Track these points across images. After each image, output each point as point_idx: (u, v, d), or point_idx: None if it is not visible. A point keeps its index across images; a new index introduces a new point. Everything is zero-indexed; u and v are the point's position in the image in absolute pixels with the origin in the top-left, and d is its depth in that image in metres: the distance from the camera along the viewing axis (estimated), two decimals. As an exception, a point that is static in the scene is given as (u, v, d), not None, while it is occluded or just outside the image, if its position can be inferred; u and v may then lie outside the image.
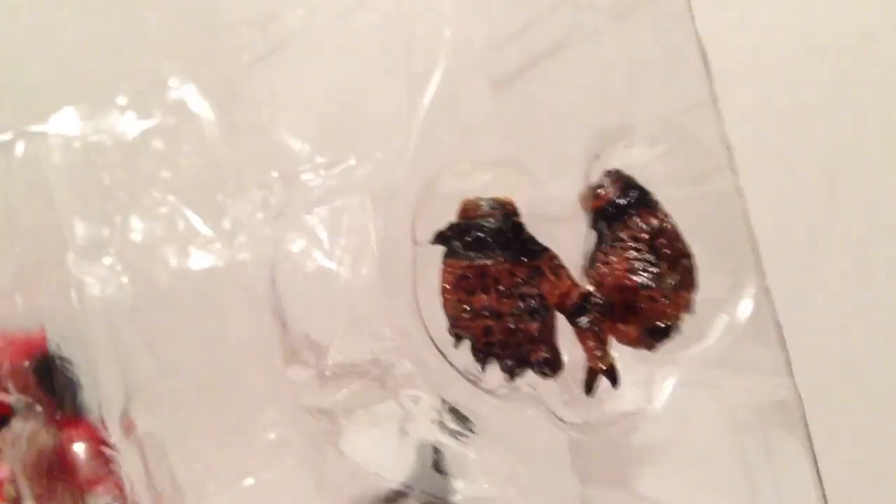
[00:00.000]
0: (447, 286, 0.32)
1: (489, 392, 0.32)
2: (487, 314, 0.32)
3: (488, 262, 0.32)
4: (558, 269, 0.33)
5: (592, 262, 0.34)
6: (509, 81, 0.34)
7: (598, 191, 0.35)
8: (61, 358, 0.34)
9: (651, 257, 0.34)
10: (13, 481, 0.33)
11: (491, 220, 0.32)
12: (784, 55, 0.39)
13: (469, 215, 0.32)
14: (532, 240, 0.33)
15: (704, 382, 0.35)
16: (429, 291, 0.32)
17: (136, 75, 0.38)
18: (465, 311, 0.32)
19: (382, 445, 0.35)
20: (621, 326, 0.34)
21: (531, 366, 0.32)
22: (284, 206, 0.36)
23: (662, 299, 0.33)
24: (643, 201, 0.35)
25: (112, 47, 0.40)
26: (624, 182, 0.35)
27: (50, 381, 0.34)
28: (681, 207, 0.36)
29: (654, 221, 0.34)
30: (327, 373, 0.33)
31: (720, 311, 0.35)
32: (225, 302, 0.36)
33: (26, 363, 0.34)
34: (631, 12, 0.35)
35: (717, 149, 0.36)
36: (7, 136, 0.36)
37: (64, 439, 0.33)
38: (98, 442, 0.34)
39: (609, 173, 0.35)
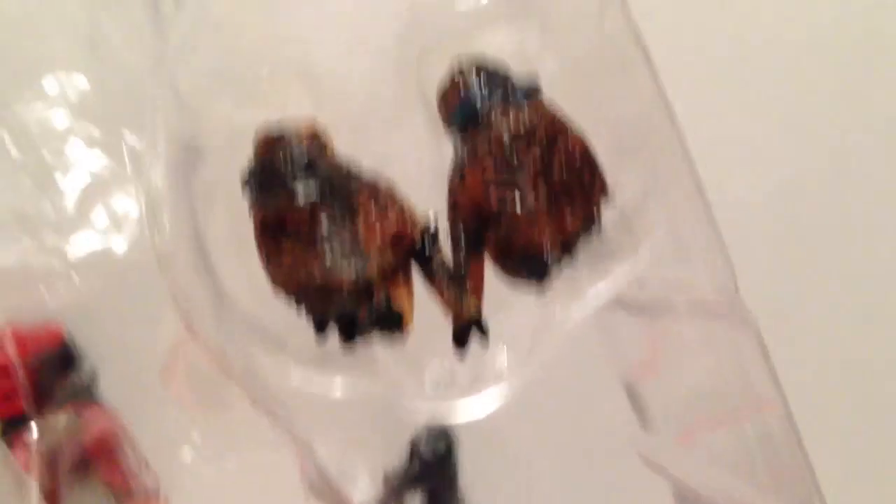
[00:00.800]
0: (258, 244, 0.25)
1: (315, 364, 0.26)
2: (297, 267, 0.25)
3: (285, 204, 0.25)
4: (384, 202, 0.25)
5: (451, 181, 0.27)
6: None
7: (449, 88, 0.27)
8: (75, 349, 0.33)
9: (508, 167, 0.26)
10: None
11: (290, 150, 0.25)
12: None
13: (266, 150, 0.25)
14: (347, 170, 0.25)
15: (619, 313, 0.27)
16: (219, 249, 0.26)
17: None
18: (280, 271, 0.25)
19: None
20: (490, 261, 0.27)
21: (367, 325, 0.26)
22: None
23: (529, 222, 0.25)
24: (509, 93, 0.26)
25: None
26: (486, 70, 0.27)
27: (66, 371, 0.32)
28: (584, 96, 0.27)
29: (519, 117, 0.26)
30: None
31: (635, 225, 0.27)
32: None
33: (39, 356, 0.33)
34: None
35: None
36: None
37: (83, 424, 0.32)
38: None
39: (461, 62, 0.27)
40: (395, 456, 0.29)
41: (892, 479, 0.35)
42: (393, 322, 0.25)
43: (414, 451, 0.30)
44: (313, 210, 0.25)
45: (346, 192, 0.25)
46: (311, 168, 0.25)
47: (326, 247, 0.24)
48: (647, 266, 0.27)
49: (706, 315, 0.28)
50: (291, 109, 0.25)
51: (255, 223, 0.25)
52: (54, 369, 0.32)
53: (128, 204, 0.35)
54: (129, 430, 0.31)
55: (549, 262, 0.26)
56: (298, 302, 0.25)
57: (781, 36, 0.33)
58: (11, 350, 0.31)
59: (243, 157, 0.25)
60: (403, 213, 0.25)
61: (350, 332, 0.25)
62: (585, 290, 0.26)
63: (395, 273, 0.25)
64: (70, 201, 0.35)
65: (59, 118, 0.35)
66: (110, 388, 0.33)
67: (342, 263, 0.25)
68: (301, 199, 0.24)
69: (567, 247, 0.26)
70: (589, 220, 0.26)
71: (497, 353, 0.26)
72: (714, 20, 0.34)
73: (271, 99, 0.25)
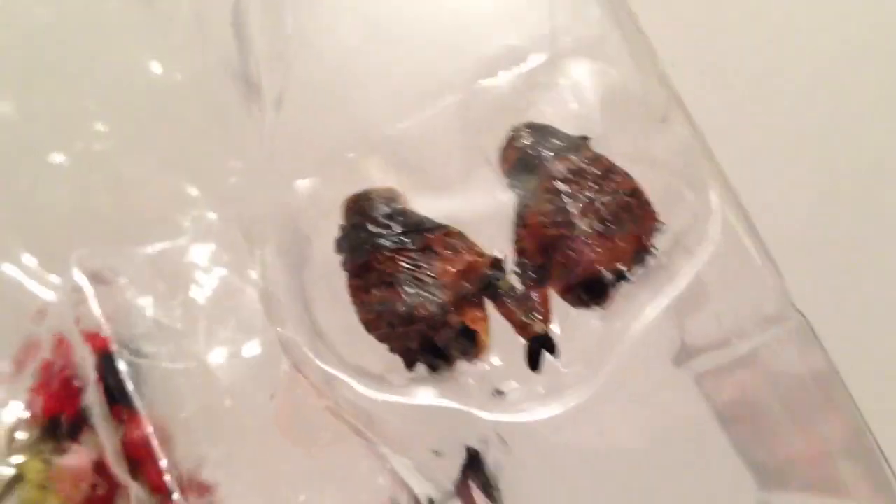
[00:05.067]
0: (350, 292, 0.30)
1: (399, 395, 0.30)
2: (385, 308, 0.29)
3: (370, 256, 0.29)
4: (456, 244, 0.29)
5: (515, 225, 0.31)
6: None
7: (507, 146, 0.31)
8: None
9: (563, 203, 0.29)
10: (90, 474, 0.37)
11: (372, 206, 0.30)
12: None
13: (352, 210, 0.30)
14: (423, 221, 0.30)
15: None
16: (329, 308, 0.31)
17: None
18: (370, 313, 0.30)
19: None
20: (558, 288, 0.30)
21: (449, 352, 0.29)
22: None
23: (586, 247, 0.29)
24: (562, 146, 0.30)
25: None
26: (537, 129, 0.31)
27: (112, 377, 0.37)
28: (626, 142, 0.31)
29: (568, 165, 0.30)
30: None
31: (686, 248, 0.30)
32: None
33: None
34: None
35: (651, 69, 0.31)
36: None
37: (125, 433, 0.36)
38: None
39: (516, 125, 0.31)
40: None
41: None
42: (468, 342, 0.29)
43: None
44: (395, 254, 0.29)
45: (422, 238, 0.29)
46: (391, 219, 0.30)
47: (409, 287, 0.29)
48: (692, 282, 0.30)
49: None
50: (375, 181, 0.31)
51: (349, 276, 0.30)
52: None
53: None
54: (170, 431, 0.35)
55: (607, 283, 0.29)
56: (388, 340, 0.30)
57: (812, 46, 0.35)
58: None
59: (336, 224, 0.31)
60: (472, 250, 0.30)
61: (434, 357, 0.29)
62: (644, 308, 0.29)
63: (470, 303, 0.29)
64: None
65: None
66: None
67: (423, 297, 0.29)
68: (384, 246, 0.29)
69: (622, 270, 0.29)
70: (641, 246, 0.29)
71: (565, 367, 0.29)
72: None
73: (358, 175, 0.30)
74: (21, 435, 0.38)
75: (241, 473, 0.38)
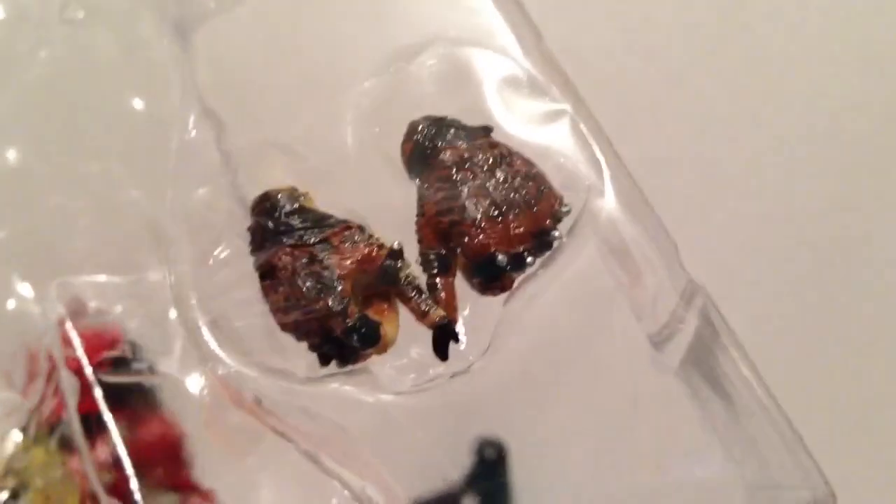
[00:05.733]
0: (262, 294, 0.31)
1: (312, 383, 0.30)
2: (290, 305, 0.29)
3: (272, 255, 0.30)
4: (355, 237, 0.30)
5: (416, 217, 0.31)
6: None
7: (404, 140, 0.31)
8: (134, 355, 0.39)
9: (454, 191, 0.30)
10: (110, 467, 0.38)
11: (275, 212, 0.30)
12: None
13: (256, 214, 0.31)
14: (325, 217, 0.30)
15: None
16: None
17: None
18: (279, 311, 0.30)
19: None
20: (462, 275, 0.30)
21: (349, 343, 0.29)
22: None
23: (474, 230, 0.29)
24: (457, 136, 0.31)
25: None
26: (435, 122, 0.32)
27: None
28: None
29: (459, 153, 0.30)
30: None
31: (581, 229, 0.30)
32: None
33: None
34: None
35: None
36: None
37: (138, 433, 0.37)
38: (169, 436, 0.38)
39: (419, 119, 0.32)
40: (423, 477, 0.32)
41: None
42: (368, 332, 0.29)
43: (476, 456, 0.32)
44: (293, 252, 0.30)
45: (321, 232, 0.30)
46: (292, 217, 0.30)
47: (307, 282, 0.29)
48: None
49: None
50: (276, 182, 0.31)
51: (259, 276, 0.31)
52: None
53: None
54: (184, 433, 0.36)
55: (500, 265, 0.29)
56: (301, 337, 0.30)
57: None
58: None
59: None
60: (371, 242, 0.30)
61: (336, 348, 0.29)
62: (543, 290, 0.29)
63: (375, 295, 0.30)
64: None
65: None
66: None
67: (323, 294, 0.29)
68: (285, 244, 0.30)
69: (519, 253, 0.29)
70: (541, 229, 0.30)
71: (468, 353, 0.30)
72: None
73: (259, 176, 0.32)
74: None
75: (235, 481, 0.39)
